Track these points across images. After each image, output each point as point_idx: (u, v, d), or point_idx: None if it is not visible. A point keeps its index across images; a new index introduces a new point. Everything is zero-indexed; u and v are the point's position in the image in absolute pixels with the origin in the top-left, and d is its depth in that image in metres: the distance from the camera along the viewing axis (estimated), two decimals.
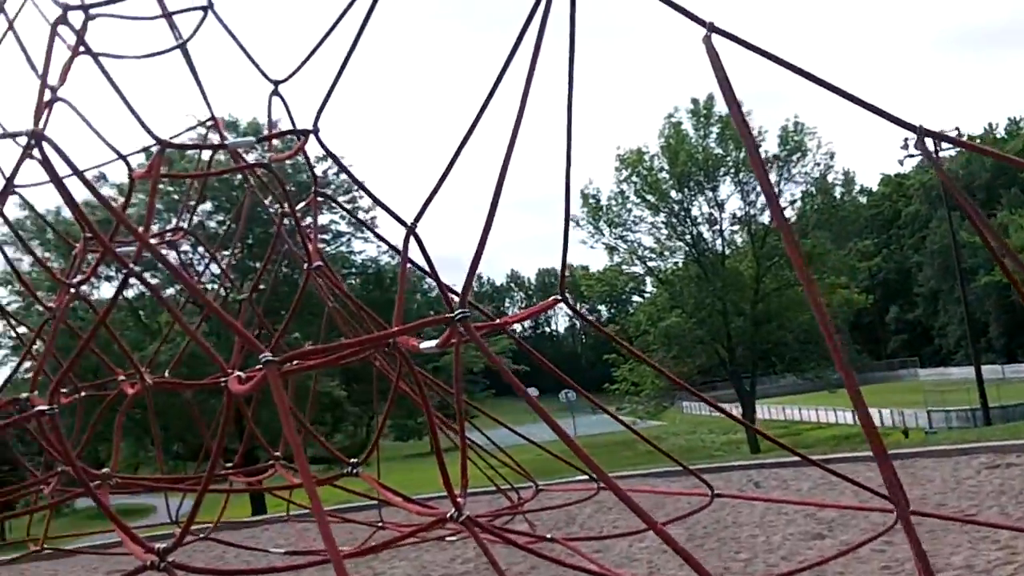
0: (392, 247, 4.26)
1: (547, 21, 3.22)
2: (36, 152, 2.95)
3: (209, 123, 5.61)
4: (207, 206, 48.17)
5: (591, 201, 59.06)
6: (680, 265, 59.67)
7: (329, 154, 3.85)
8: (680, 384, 4.24)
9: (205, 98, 5.07)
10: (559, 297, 3.84)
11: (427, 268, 3.53)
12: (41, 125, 4.01)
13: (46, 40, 3.29)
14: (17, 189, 4.62)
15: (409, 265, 3.94)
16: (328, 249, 52.99)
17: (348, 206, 43.97)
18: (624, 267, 62.57)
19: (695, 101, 56.33)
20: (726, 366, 58.58)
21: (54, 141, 2.84)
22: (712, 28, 2.79)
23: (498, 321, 3.45)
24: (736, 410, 60.45)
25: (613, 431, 48.53)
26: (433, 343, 2.67)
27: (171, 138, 6.52)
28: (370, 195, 3.54)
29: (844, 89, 2.75)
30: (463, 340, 2.60)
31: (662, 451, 4.57)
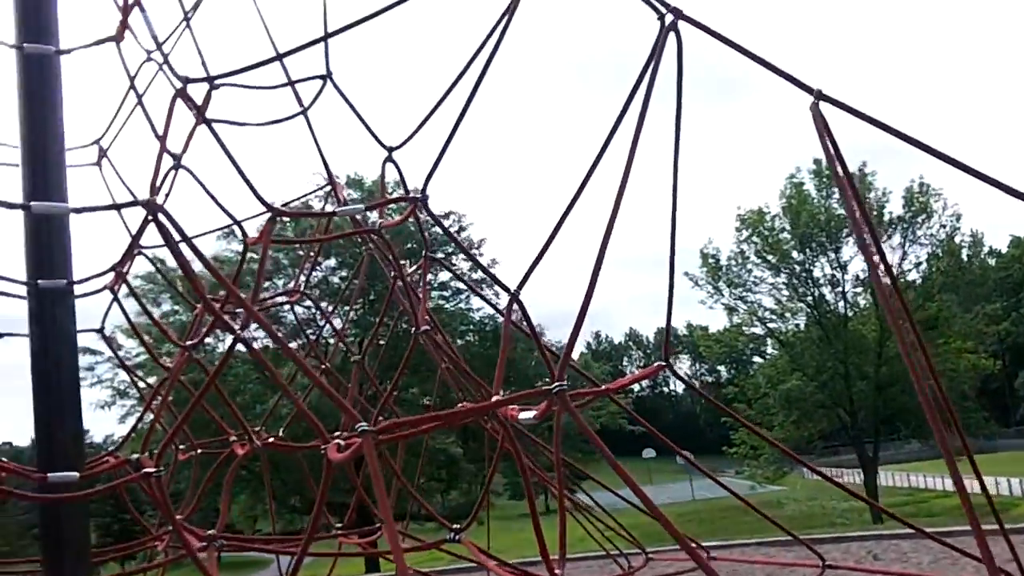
0: (497, 310, 4.27)
1: (655, 79, 3.23)
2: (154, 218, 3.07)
3: (327, 187, 5.77)
4: (331, 262, 49.27)
5: (711, 261, 58.61)
6: (801, 327, 58.55)
7: (435, 221, 3.90)
8: (790, 455, 4.11)
9: (324, 162, 5.21)
10: (663, 363, 3.78)
11: (531, 334, 3.52)
12: (165, 190, 4.17)
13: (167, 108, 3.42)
14: (143, 249, 4.82)
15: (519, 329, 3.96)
16: (447, 306, 53.58)
17: (465, 263, 44.45)
18: (744, 328, 61.69)
19: (817, 161, 55.56)
20: (848, 431, 57.03)
21: (167, 211, 2.94)
22: (820, 96, 2.76)
23: (602, 388, 3.42)
24: (858, 476, 58.70)
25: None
26: (532, 414, 2.66)
27: (294, 200, 6.70)
28: (473, 260, 3.58)
29: (959, 160, 2.67)
30: (562, 411, 2.58)
31: (771, 519, 4.44)
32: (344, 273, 48.46)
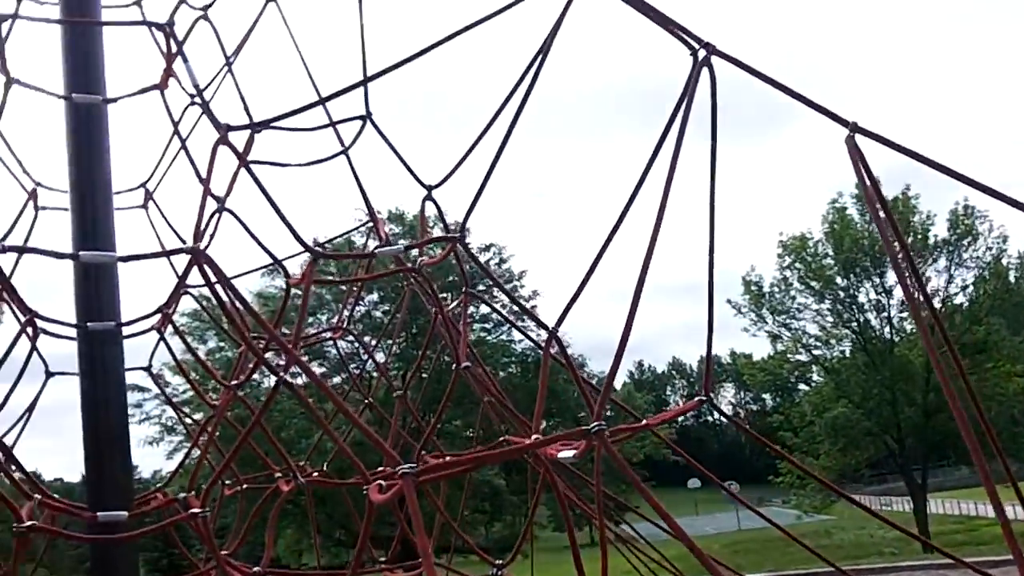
0: (537, 344, 4.31)
1: (689, 113, 3.27)
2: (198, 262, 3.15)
3: (368, 223, 5.85)
4: (373, 296, 49.60)
5: (753, 288, 58.23)
6: (847, 353, 57.93)
7: (473, 260, 3.96)
8: (832, 488, 4.04)
9: (365, 199, 5.28)
10: (703, 397, 3.79)
11: (571, 370, 3.55)
12: (209, 231, 4.26)
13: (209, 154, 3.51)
14: (189, 289, 4.91)
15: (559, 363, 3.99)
16: (489, 338, 53.69)
17: (505, 294, 44.40)
18: (788, 355, 61.16)
19: (860, 186, 54.98)
20: (896, 458, 56.27)
21: (211, 258, 3.01)
22: (855, 128, 2.78)
23: (642, 424, 3.43)
24: (908, 504, 57.78)
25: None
26: (572, 453, 2.68)
27: (336, 237, 6.77)
28: (511, 298, 3.63)
29: (996, 190, 2.67)
30: (601, 450, 2.60)
31: (814, 552, 4.42)
32: (386, 307, 48.76)
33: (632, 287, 2.83)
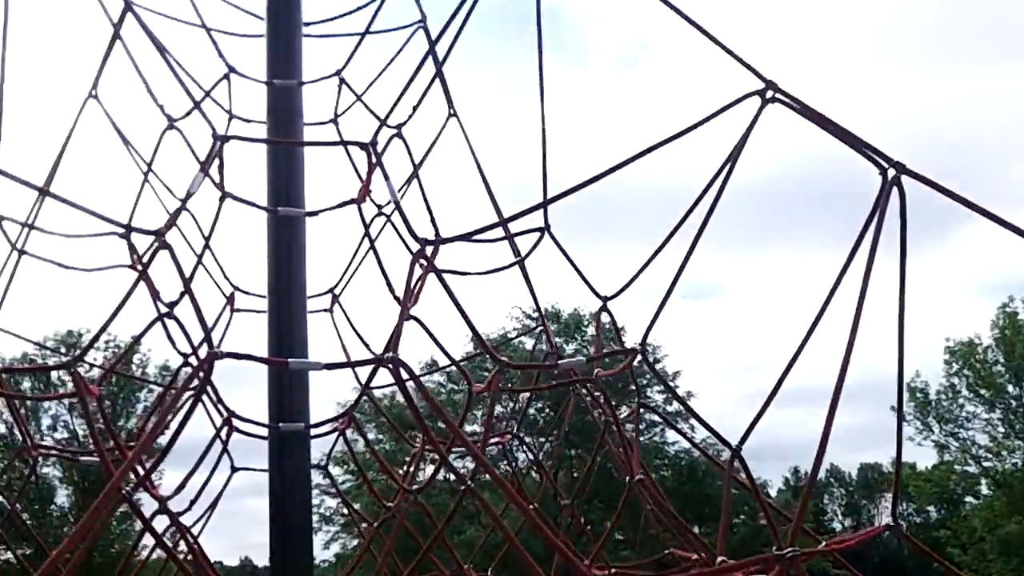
0: (718, 464, 4.26)
1: (880, 233, 3.28)
2: (391, 370, 3.27)
3: (539, 329, 5.95)
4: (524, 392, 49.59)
5: (919, 395, 56.08)
6: (1019, 466, 54.90)
7: (655, 374, 3.98)
8: None
9: (538, 307, 5.39)
10: (891, 524, 3.69)
11: (754, 492, 3.51)
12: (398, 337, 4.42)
13: (407, 269, 3.66)
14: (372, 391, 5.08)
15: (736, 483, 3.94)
16: (642, 439, 52.99)
17: (685, 407, 43.92)
18: (955, 466, 58.40)
19: None
20: None
21: (408, 365, 3.14)
22: None
23: (828, 547, 3.37)
24: None
25: None
26: None
27: (504, 342, 6.88)
28: (695, 416, 3.62)
29: None
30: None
31: None
32: (539, 404, 48.73)
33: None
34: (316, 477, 5.33)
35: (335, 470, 36.25)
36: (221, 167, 3.99)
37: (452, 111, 5.18)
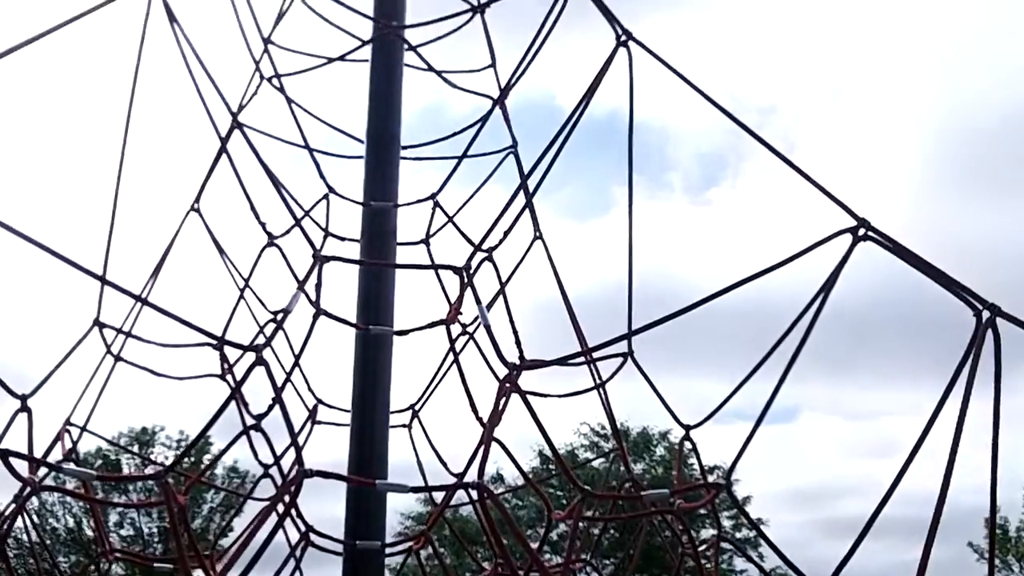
0: None
1: (975, 374, 3.24)
2: (475, 493, 3.28)
3: (615, 453, 5.91)
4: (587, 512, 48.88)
5: (998, 531, 53.98)
6: None
7: (740, 510, 3.93)
8: None
9: (615, 432, 5.37)
10: None
11: None
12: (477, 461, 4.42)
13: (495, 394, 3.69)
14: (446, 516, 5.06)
15: None
16: (707, 565, 51.67)
17: (769, 546, 42.87)
18: None
19: None
20: None
21: (491, 490, 3.15)
22: None
23: None
24: None
25: None
26: None
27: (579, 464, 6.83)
28: (774, 549, 3.54)
29: None
30: None
31: None
32: (609, 529, 47.91)
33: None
34: None
35: None
36: (319, 285, 4.08)
37: (538, 234, 5.25)
